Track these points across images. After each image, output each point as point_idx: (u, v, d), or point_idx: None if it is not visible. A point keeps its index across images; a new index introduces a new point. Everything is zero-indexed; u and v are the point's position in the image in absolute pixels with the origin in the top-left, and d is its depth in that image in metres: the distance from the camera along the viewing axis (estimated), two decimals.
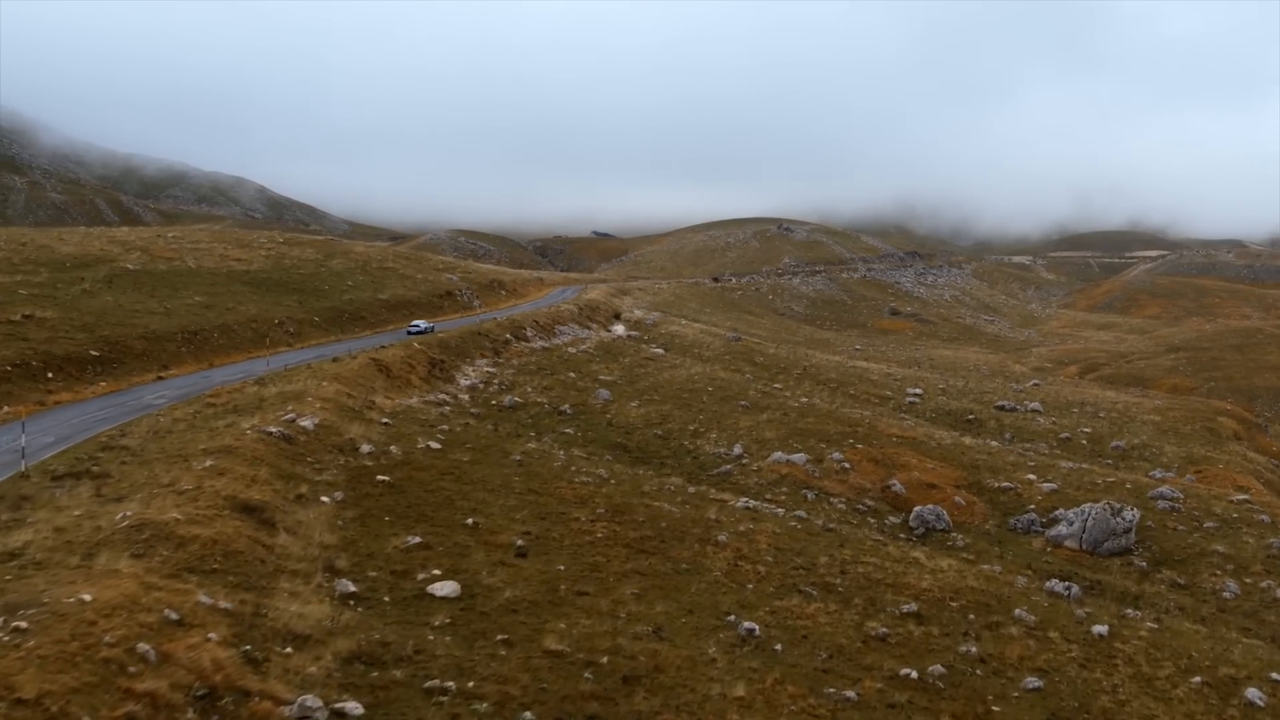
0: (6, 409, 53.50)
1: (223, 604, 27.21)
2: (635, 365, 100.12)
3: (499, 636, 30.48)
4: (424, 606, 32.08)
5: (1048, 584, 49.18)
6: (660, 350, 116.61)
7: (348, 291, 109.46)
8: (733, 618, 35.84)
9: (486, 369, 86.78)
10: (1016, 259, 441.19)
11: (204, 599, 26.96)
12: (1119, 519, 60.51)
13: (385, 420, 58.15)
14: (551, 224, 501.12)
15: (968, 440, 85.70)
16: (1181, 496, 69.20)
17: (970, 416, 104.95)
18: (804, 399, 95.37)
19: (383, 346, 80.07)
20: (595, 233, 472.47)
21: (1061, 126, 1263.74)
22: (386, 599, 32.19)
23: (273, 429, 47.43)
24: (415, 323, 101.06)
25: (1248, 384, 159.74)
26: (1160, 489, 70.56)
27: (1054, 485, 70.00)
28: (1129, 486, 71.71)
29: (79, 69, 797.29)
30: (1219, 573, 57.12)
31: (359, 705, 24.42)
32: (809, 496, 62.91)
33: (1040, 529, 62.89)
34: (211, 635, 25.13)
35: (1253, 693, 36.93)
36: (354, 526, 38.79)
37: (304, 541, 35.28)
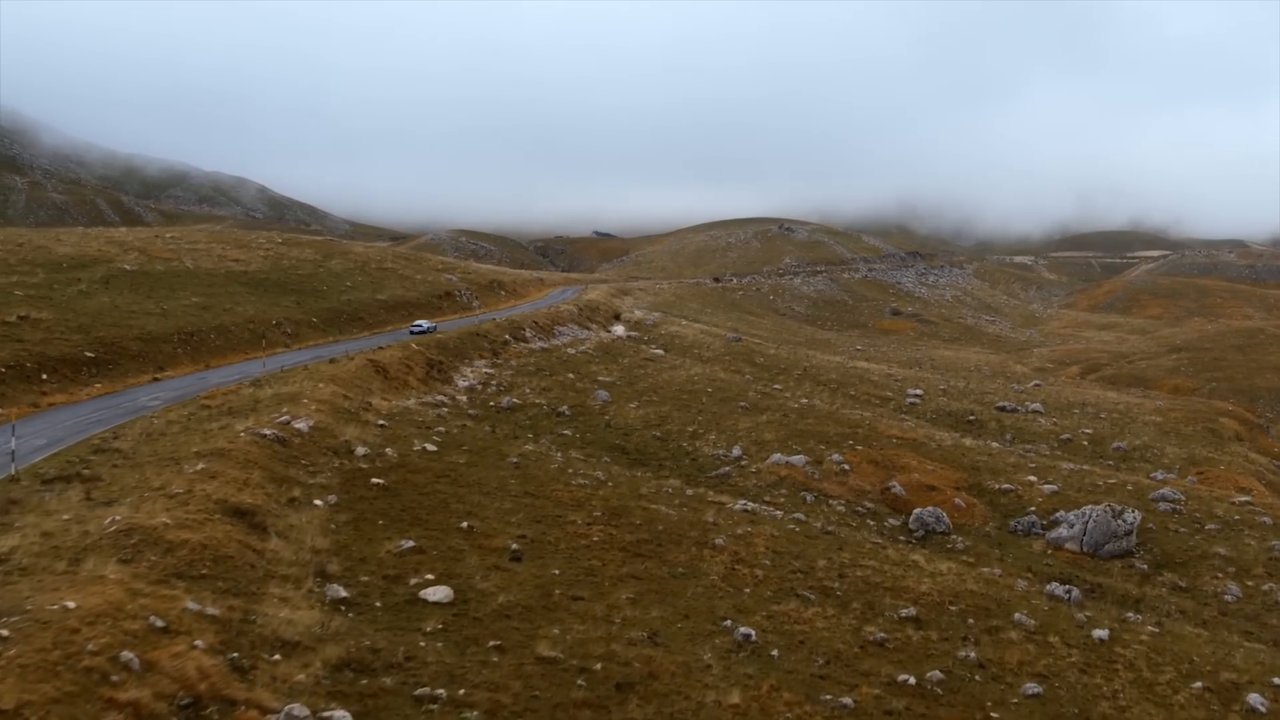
0: None
1: (210, 610, 26.82)
2: (635, 366, 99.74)
3: (491, 643, 30.09)
4: (416, 612, 31.67)
5: (1048, 587, 48.84)
6: (660, 351, 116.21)
7: (346, 292, 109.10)
8: (729, 623, 35.47)
9: (485, 370, 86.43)
10: (1018, 259, 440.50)
11: (191, 605, 26.58)
12: (1120, 521, 60.14)
13: (381, 422, 57.77)
14: (553, 224, 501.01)
15: (968, 441, 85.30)
16: (1183, 498, 68.81)
17: (971, 417, 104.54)
18: (804, 400, 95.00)
19: (380, 348, 79.68)
20: (596, 233, 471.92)
21: (1064, 126, 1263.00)
22: (378, 604, 31.79)
23: (267, 431, 47.03)
24: (418, 322, 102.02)
25: (1249, 384, 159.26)
26: (1162, 491, 70.19)
27: (1055, 487, 69.63)
28: (1130, 488, 71.35)
29: (80, 69, 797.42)
30: (1220, 575, 56.75)
31: (347, 714, 24.00)
32: (808, 499, 62.55)
33: (1041, 531, 62.52)
34: (198, 643, 24.74)
35: (1255, 698, 36.61)
36: (347, 530, 38.40)
37: (295, 546, 34.89)
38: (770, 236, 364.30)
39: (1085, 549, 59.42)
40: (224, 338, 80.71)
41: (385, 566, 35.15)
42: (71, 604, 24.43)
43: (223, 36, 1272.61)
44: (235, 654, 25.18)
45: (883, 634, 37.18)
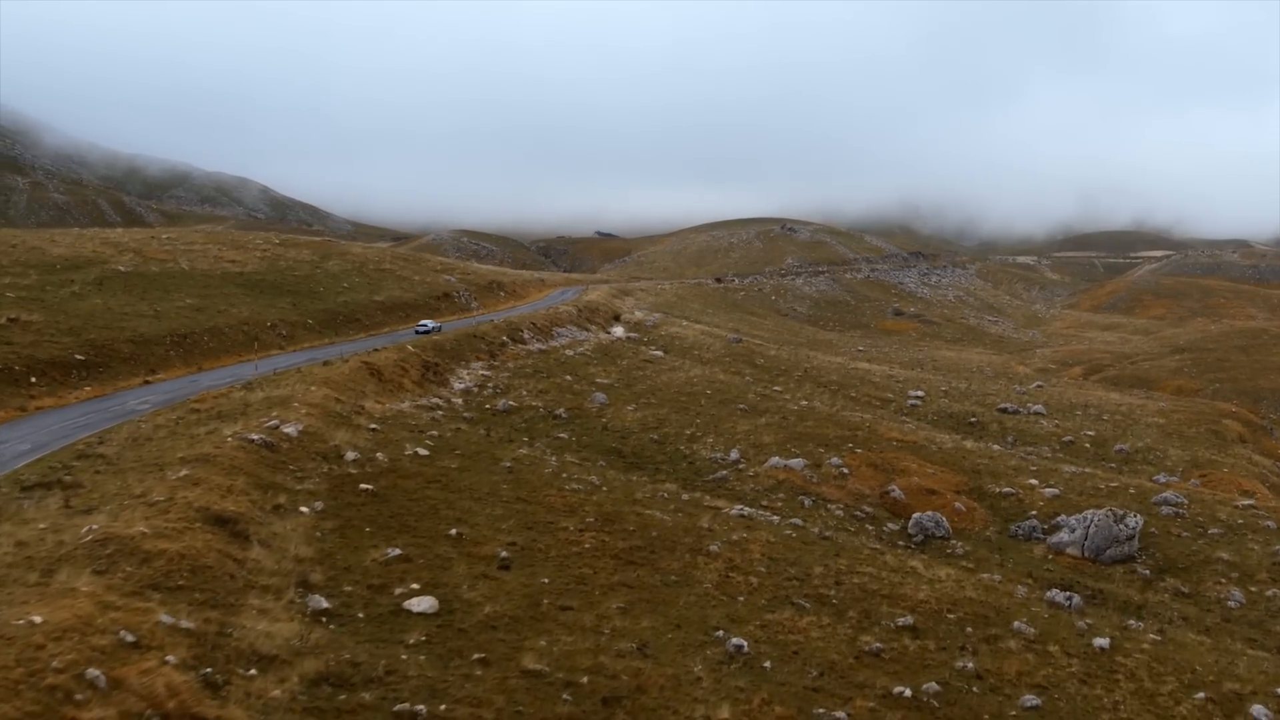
0: None
1: (184, 623, 26.10)
2: (633, 368, 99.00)
3: (475, 655, 29.37)
4: (399, 623, 30.96)
5: (1048, 594, 48.09)
6: (659, 352, 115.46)
7: (343, 293, 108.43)
8: (721, 633, 34.77)
9: (481, 372, 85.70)
10: (1021, 259, 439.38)
11: (165, 619, 25.86)
12: (1122, 526, 59.35)
13: (373, 426, 57.01)
14: (555, 224, 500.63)
15: (969, 444, 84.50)
16: (1186, 502, 68.02)
17: (972, 419, 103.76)
18: (804, 402, 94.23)
19: (376, 350, 78.92)
20: (598, 233, 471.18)
21: (1066, 126, 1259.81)
22: (361, 615, 31.07)
23: (254, 436, 46.32)
24: (423, 323, 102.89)
25: (1253, 385, 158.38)
26: (1164, 494, 69.40)
27: (1056, 490, 68.84)
28: (1132, 491, 70.57)
29: (82, 69, 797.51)
30: (1224, 581, 55.95)
31: None
32: (806, 503, 61.83)
33: (1042, 536, 61.72)
34: (170, 658, 24.03)
35: (1259, 709, 35.88)
36: (332, 538, 37.66)
37: (278, 555, 34.15)
38: (772, 237, 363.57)
39: (1087, 554, 58.63)
40: (217, 340, 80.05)
41: (370, 576, 34.42)
42: (39, 618, 23.73)
43: (224, 37, 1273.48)
44: (209, 669, 24.45)
45: (879, 644, 36.47)
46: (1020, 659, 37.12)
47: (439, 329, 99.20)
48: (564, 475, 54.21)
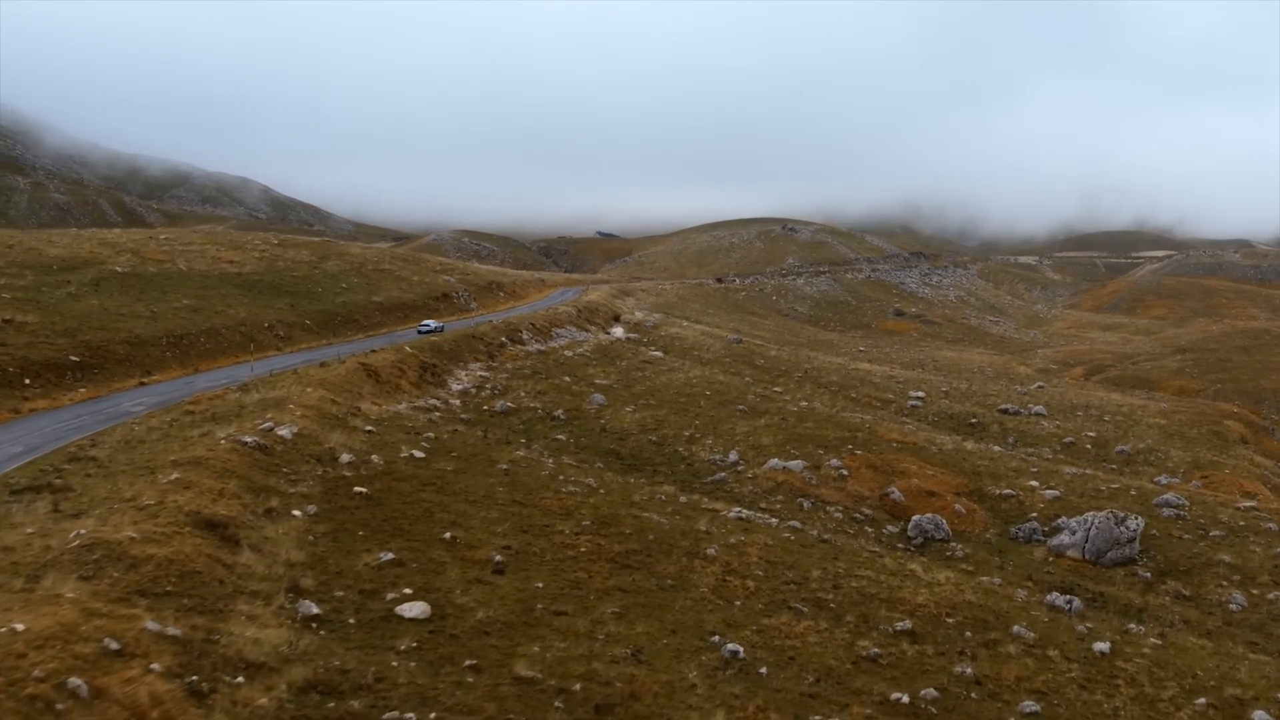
0: None
1: (171, 630, 25.69)
2: (632, 369, 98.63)
3: (467, 662, 28.97)
4: (390, 629, 30.55)
5: (1048, 597, 47.70)
6: (659, 353, 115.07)
7: (341, 294, 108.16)
8: (717, 638, 34.34)
9: (480, 373, 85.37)
10: (1022, 259, 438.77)
11: (151, 625, 25.45)
12: (1123, 528, 58.98)
13: (369, 428, 56.68)
14: (557, 224, 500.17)
15: (969, 445, 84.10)
16: (1187, 504, 67.61)
17: (973, 420, 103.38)
18: (804, 403, 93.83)
19: (373, 350, 78.67)
20: (600, 233, 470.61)
21: (1068, 126, 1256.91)
22: (351, 621, 30.67)
23: (248, 438, 45.97)
24: (426, 322, 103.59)
25: (1255, 386, 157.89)
26: (1165, 496, 68.97)
27: (1057, 492, 68.43)
28: (1133, 493, 70.16)
29: (83, 70, 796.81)
30: (1225, 584, 55.56)
31: None
32: (805, 505, 61.48)
33: (1042, 538, 61.34)
34: (154, 666, 23.64)
35: (1260, 715, 35.51)
36: (325, 542, 37.28)
37: (269, 559, 33.77)
38: (773, 237, 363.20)
39: (1087, 556, 58.26)
40: (214, 341, 79.77)
41: (362, 580, 34.03)
42: (20, 626, 23.33)
43: (226, 37, 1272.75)
44: (194, 677, 24.04)
45: (876, 649, 36.07)
46: (1019, 664, 36.72)
47: (442, 329, 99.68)
48: (561, 477, 53.86)
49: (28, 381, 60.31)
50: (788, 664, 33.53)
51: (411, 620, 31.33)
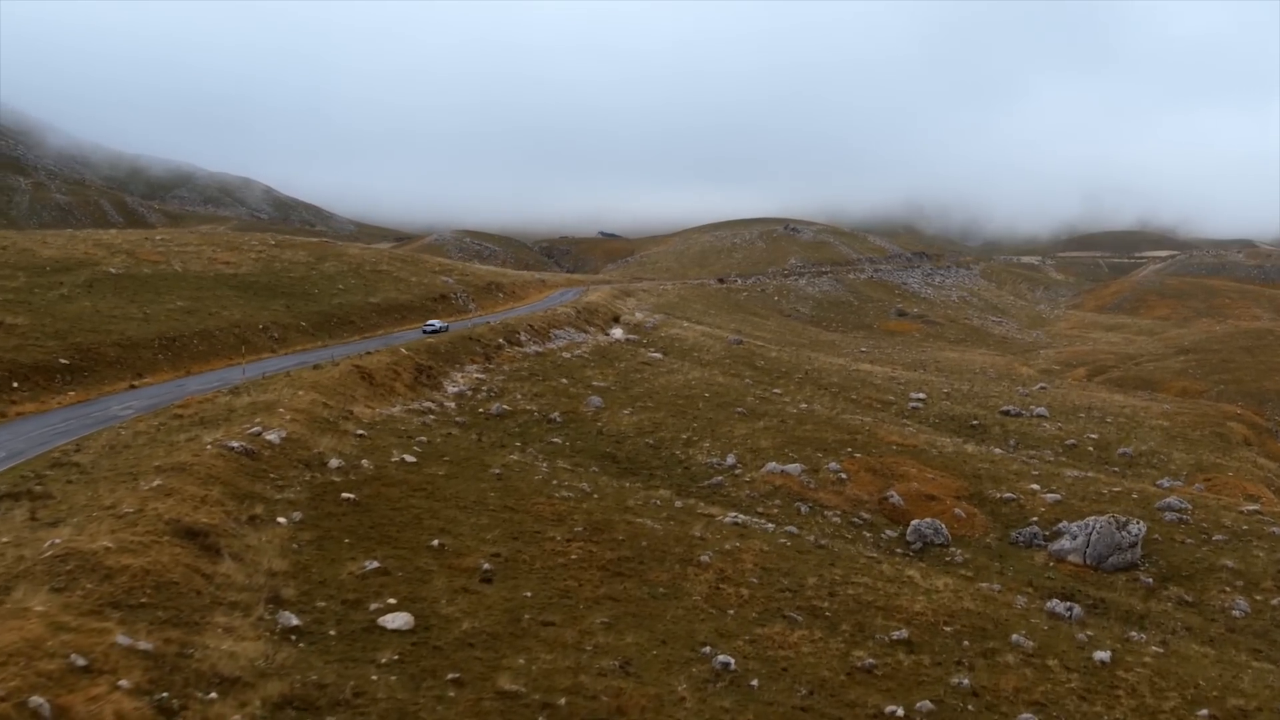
0: None
1: (142, 645, 24.94)
2: (631, 370, 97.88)
3: (450, 675, 28.20)
4: (372, 641, 29.77)
5: (1048, 604, 46.86)
6: (658, 354, 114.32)
7: (338, 295, 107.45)
8: (708, 649, 33.58)
9: (476, 375, 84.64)
10: (1025, 259, 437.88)
11: (122, 640, 24.69)
12: (1124, 533, 58.21)
13: (360, 432, 55.90)
14: (559, 225, 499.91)
15: (970, 448, 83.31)
16: (1190, 507, 66.80)
17: (974, 422, 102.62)
18: (803, 405, 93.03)
19: (368, 353, 77.93)
20: (602, 233, 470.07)
21: (1071, 126, 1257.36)
22: (332, 633, 29.90)
23: (234, 443, 45.21)
24: (430, 322, 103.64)
25: (1258, 387, 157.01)
26: (1168, 499, 68.14)
27: (1058, 496, 67.62)
28: (1135, 496, 69.34)
29: (86, 70, 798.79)
30: (1228, 589, 54.76)
31: None
32: (803, 510, 60.70)
33: (1043, 543, 60.58)
34: (122, 682, 22.88)
35: None
36: (309, 550, 36.51)
37: (250, 569, 33.00)
38: (775, 237, 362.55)
39: (1088, 561, 57.49)
40: (207, 343, 79.04)
41: (345, 590, 33.25)
42: None
43: (229, 37, 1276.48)
44: (164, 694, 23.27)
45: (872, 659, 35.31)
46: (1018, 674, 35.97)
47: (447, 328, 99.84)
48: (554, 482, 53.12)
49: (15, 385, 59.62)
50: (780, 676, 32.79)
51: (394, 632, 30.57)
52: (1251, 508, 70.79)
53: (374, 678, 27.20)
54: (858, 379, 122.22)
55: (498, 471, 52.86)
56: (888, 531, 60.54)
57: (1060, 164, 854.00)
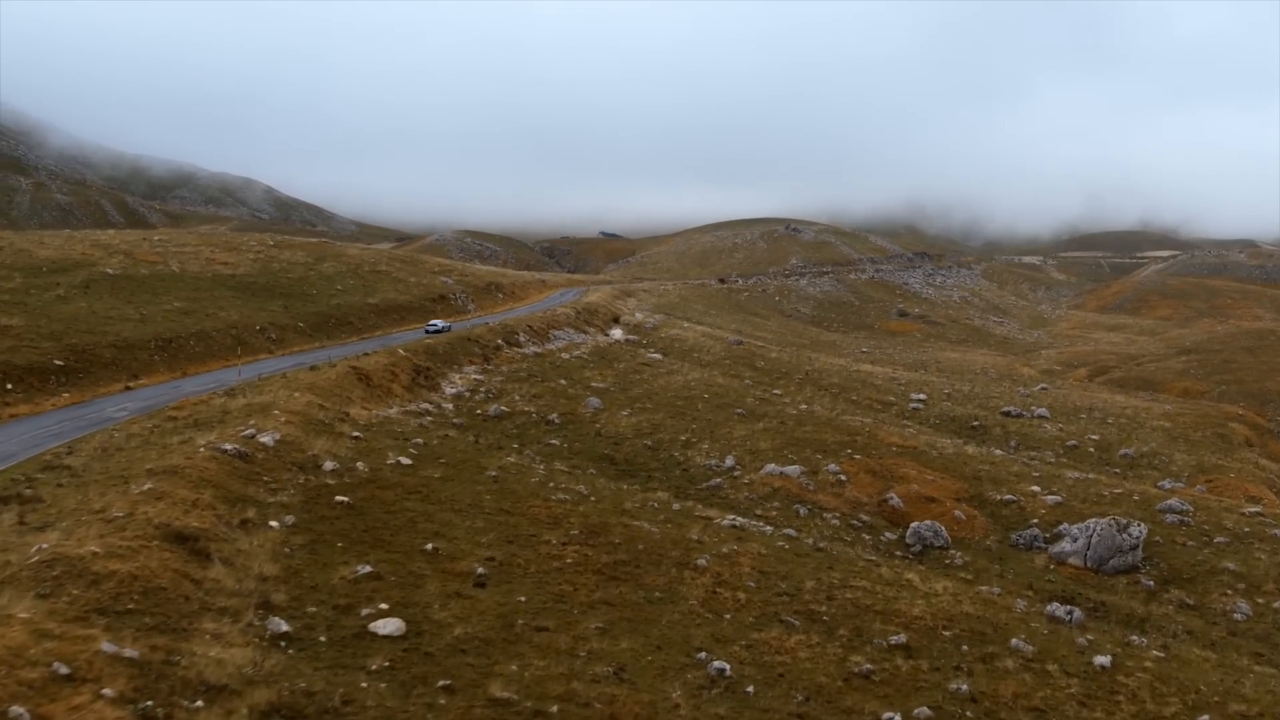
0: None
1: (128, 652, 24.56)
2: (630, 371, 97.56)
3: (440, 682, 27.81)
4: (363, 647, 29.37)
5: (1049, 608, 46.48)
6: (658, 355, 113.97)
7: (336, 296, 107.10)
8: (704, 655, 33.16)
9: (474, 376, 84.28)
10: (1027, 259, 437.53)
11: (106, 647, 24.32)
12: (1125, 535, 57.86)
13: (356, 434, 55.52)
14: (560, 225, 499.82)
15: (971, 449, 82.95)
16: (1191, 509, 66.43)
17: (975, 423, 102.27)
18: (803, 406, 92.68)
19: (366, 354, 77.59)
20: (603, 233, 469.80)
21: (1073, 126, 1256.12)
22: (323, 639, 29.51)
23: (228, 446, 44.84)
24: (433, 322, 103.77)
25: (1260, 387, 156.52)
26: (1169, 501, 67.77)
27: (1059, 498, 67.26)
28: (1136, 498, 68.97)
29: (88, 70, 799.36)
30: (1230, 592, 54.42)
31: None
32: (801, 512, 60.34)
33: (1043, 545, 60.24)
34: (106, 691, 22.51)
35: None
36: (301, 554, 36.12)
37: (240, 574, 32.60)
38: (777, 237, 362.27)
39: (1089, 564, 57.16)
40: (204, 344, 78.67)
41: (337, 595, 32.85)
42: None
43: (230, 37, 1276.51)
44: (149, 703, 22.88)
45: (869, 665, 34.90)
46: (1017, 680, 35.57)
47: (449, 328, 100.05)
48: (551, 484, 52.74)
49: (9, 386, 59.25)
50: (776, 682, 32.38)
51: (385, 638, 30.16)
52: (1253, 509, 70.45)
53: (364, 685, 26.83)
54: (858, 380, 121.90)
55: (494, 474, 52.50)
56: (887, 534, 60.20)
57: (1062, 164, 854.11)
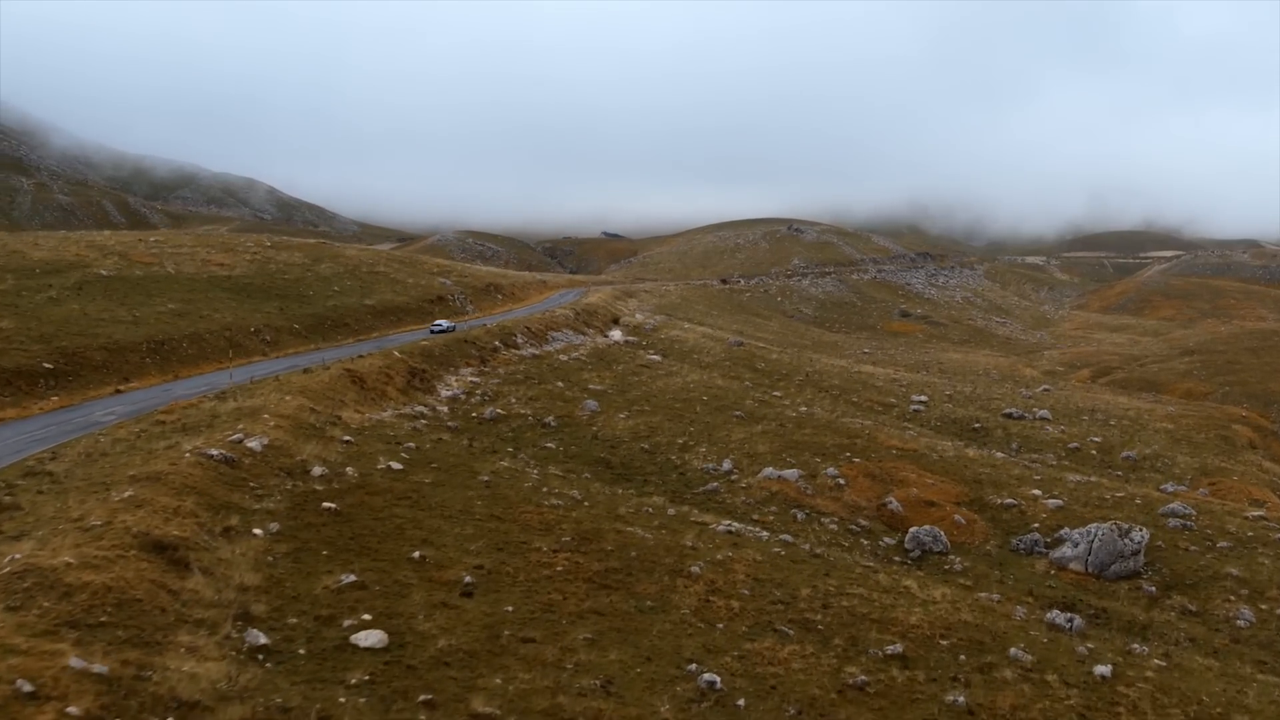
0: None
1: (97, 667, 23.85)
2: (629, 373, 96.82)
3: (422, 696, 27.11)
4: (343, 660, 28.63)
5: (1049, 615, 45.72)
6: (657, 357, 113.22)
7: (333, 297, 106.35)
8: (694, 666, 32.43)
9: (470, 378, 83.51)
10: (1030, 259, 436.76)
11: (75, 662, 23.62)
12: (1127, 540, 57.06)
13: (347, 438, 54.73)
14: (563, 225, 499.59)
15: (971, 452, 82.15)
16: (1194, 513, 65.64)
17: (976, 425, 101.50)
18: (803, 408, 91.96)
19: (361, 356, 76.78)
20: (605, 234, 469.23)
21: (1077, 125, 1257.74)
22: (302, 652, 28.78)
23: (214, 451, 44.09)
24: (438, 322, 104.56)
25: (1263, 388, 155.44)
26: (1171, 505, 66.97)
27: (1060, 502, 66.48)
28: (1139, 502, 68.16)
29: (90, 70, 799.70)
30: (1233, 598, 53.57)
31: None
32: (799, 517, 59.57)
33: (1044, 550, 59.44)
34: (71, 709, 21.83)
35: None
36: (284, 563, 35.37)
37: (219, 584, 31.86)
38: (779, 237, 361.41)
39: (1090, 569, 56.36)
40: (197, 346, 77.90)
41: (319, 606, 32.08)
42: None
43: (233, 38, 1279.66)
44: None
45: (864, 676, 34.15)
46: (1015, 691, 34.80)
47: (454, 329, 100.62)
48: (544, 489, 52.00)
49: None
50: (768, 694, 31.65)
51: (367, 650, 29.43)
52: (1257, 513, 69.64)
53: (342, 700, 26.12)
54: (859, 381, 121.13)
55: (486, 478, 51.76)
56: (886, 539, 59.42)
57: (1066, 163, 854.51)
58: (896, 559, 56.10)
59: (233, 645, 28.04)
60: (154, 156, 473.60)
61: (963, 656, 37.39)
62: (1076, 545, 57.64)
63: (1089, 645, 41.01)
